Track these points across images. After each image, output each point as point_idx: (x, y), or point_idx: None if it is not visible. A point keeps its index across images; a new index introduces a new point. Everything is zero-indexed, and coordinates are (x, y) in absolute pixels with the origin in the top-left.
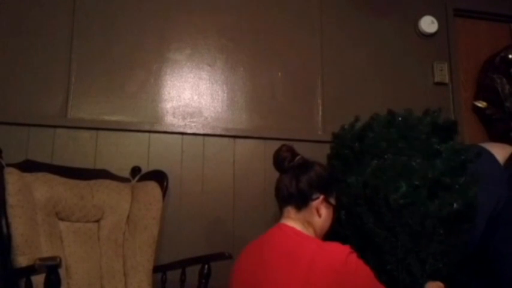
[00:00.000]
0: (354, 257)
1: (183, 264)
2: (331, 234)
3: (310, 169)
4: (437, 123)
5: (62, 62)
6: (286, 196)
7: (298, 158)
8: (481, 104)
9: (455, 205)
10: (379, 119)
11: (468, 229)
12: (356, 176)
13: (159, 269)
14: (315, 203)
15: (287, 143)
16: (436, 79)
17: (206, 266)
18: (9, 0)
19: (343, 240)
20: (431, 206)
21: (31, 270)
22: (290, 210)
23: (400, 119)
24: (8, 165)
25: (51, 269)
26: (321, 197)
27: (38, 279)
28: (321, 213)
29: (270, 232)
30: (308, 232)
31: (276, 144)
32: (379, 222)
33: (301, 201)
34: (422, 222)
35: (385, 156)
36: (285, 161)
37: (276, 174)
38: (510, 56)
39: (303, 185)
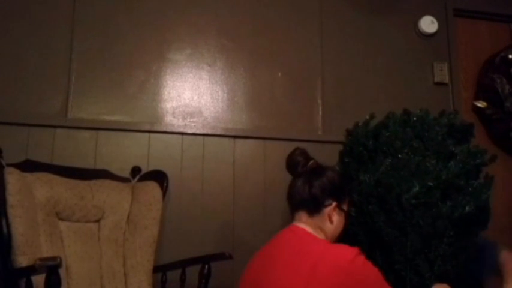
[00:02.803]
0: (361, 258)
1: (183, 264)
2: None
3: (323, 174)
4: (454, 125)
5: (62, 62)
6: (299, 201)
7: (311, 162)
8: (481, 104)
9: (467, 208)
10: (395, 117)
11: (479, 232)
12: (369, 173)
13: (159, 269)
14: (327, 210)
15: (287, 143)
16: (436, 79)
17: (206, 266)
18: (9, 0)
19: (353, 237)
20: (444, 207)
21: (31, 270)
22: (302, 215)
23: (415, 119)
24: (8, 165)
25: (52, 269)
26: (334, 203)
27: (38, 279)
28: (333, 219)
29: (281, 233)
30: (318, 235)
31: (276, 144)
32: (390, 222)
33: (313, 207)
34: (433, 223)
35: (399, 156)
36: (299, 166)
37: (275, 174)
38: (510, 56)
39: (316, 191)
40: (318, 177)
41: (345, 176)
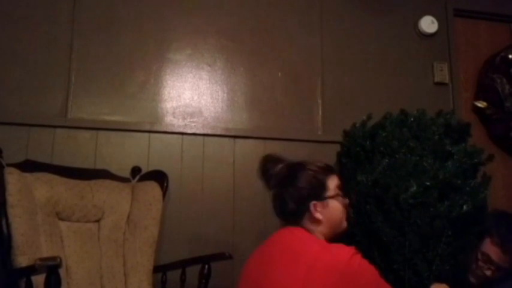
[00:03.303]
0: (357, 257)
1: (183, 264)
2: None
3: (292, 183)
4: (451, 125)
5: (62, 62)
6: (281, 216)
7: (279, 168)
8: (481, 104)
9: (465, 207)
10: (392, 118)
11: (476, 231)
12: (366, 174)
13: (159, 269)
14: (307, 214)
15: (287, 143)
16: (436, 79)
17: (206, 266)
18: (9, 0)
19: (351, 238)
20: (441, 207)
21: (31, 270)
22: (291, 222)
23: (412, 119)
24: (8, 165)
25: (52, 269)
26: (311, 203)
27: (38, 279)
28: (318, 217)
29: (278, 233)
30: (316, 234)
31: (276, 144)
32: (387, 221)
33: (295, 218)
34: (431, 223)
35: (397, 156)
36: (268, 176)
37: None
38: (510, 56)
39: (291, 205)
40: (287, 189)
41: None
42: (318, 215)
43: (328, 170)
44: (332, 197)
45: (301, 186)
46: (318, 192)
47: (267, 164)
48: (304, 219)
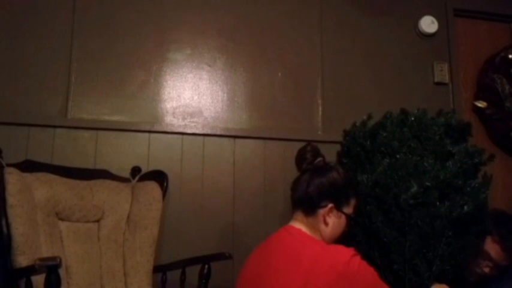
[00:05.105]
0: (357, 259)
1: (183, 264)
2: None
3: (325, 174)
4: (451, 125)
5: (62, 62)
6: (296, 199)
7: (318, 160)
8: (481, 104)
9: (465, 207)
10: (392, 117)
11: (477, 232)
12: (367, 174)
13: (159, 269)
14: (322, 211)
15: (287, 143)
16: (436, 79)
17: (206, 266)
18: (9, 0)
19: (351, 238)
20: (442, 207)
21: (31, 270)
22: (299, 214)
23: (413, 118)
24: (8, 165)
25: (52, 269)
26: (329, 205)
27: (38, 279)
28: (327, 221)
29: (277, 233)
30: (315, 235)
31: (276, 144)
32: (388, 222)
33: (308, 207)
34: (431, 223)
35: (397, 156)
36: (304, 162)
37: (275, 175)
38: (510, 56)
39: (312, 190)
40: (318, 177)
41: (351, 177)
42: (328, 219)
43: (357, 191)
44: (346, 215)
45: (331, 182)
46: (340, 199)
47: (307, 153)
48: (314, 213)
